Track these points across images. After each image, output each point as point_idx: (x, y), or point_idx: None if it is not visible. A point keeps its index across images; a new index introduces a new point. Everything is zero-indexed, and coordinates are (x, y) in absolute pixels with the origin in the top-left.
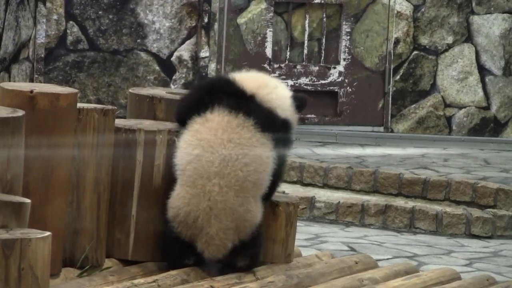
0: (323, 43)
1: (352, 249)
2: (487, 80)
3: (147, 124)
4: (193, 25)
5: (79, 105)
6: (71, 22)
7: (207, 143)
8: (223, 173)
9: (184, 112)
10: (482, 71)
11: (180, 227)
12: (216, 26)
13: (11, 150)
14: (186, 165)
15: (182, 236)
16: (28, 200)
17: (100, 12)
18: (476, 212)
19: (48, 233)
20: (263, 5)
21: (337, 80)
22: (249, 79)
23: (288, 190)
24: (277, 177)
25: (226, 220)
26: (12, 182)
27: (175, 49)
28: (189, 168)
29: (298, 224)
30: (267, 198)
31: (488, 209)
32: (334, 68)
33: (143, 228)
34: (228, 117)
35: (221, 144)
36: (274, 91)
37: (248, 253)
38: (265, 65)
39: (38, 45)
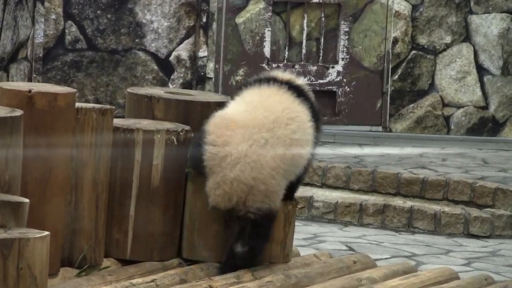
0: (322, 43)
1: (351, 249)
2: (485, 79)
3: (146, 123)
4: (192, 24)
5: (78, 104)
6: (69, 21)
7: (261, 103)
8: (275, 132)
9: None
10: (481, 70)
11: (209, 149)
12: (214, 25)
13: (9, 150)
14: (241, 110)
15: (205, 159)
16: (26, 200)
17: (98, 12)
18: (474, 212)
19: (46, 233)
20: (262, 5)
21: (335, 80)
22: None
23: None
24: (304, 172)
25: (249, 175)
26: (10, 182)
27: (174, 49)
28: (243, 113)
29: (296, 223)
30: (291, 192)
31: (487, 209)
32: (333, 67)
33: (141, 228)
34: (279, 90)
35: (274, 105)
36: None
37: (251, 240)
38: (264, 65)
39: (37, 45)
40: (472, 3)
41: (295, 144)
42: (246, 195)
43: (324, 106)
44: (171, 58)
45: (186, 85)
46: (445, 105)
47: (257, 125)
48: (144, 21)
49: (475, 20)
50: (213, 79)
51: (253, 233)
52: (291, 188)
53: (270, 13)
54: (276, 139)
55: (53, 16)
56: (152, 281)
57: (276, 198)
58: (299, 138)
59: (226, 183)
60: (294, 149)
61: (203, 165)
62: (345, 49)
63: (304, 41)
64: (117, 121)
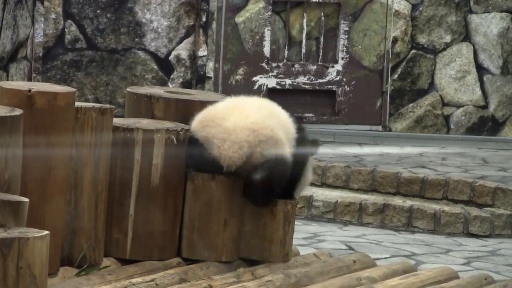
0: (321, 42)
1: (350, 248)
2: (485, 79)
3: (145, 123)
4: (191, 24)
5: (77, 104)
6: (69, 21)
7: (241, 99)
8: (250, 100)
9: None
10: (480, 70)
11: (196, 127)
12: (214, 25)
13: (9, 149)
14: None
15: (198, 137)
16: (26, 199)
17: (98, 11)
18: (474, 211)
19: (46, 232)
20: (261, 4)
21: (335, 79)
22: None
23: None
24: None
25: (246, 119)
26: (10, 182)
27: (173, 48)
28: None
29: (296, 223)
30: (291, 189)
31: (486, 208)
32: (332, 67)
33: (141, 227)
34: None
35: (255, 100)
36: None
37: (268, 168)
38: (263, 64)
39: (36, 44)
40: (471, 3)
41: (274, 109)
42: (255, 140)
43: (323, 106)
44: (171, 57)
45: (186, 84)
46: (444, 104)
47: (234, 100)
48: (143, 20)
49: (474, 19)
50: (212, 78)
51: (270, 175)
52: (291, 182)
53: (269, 13)
54: (254, 104)
55: (53, 16)
56: (152, 280)
57: (285, 146)
58: (277, 108)
59: (230, 133)
60: (276, 110)
61: (200, 145)
62: (344, 48)
63: (304, 41)
64: (116, 121)
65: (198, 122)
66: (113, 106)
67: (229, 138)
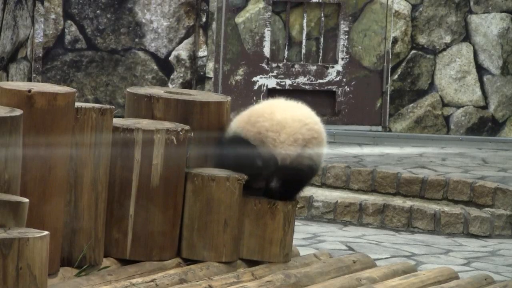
0: (321, 43)
1: (350, 249)
2: (485, 79)
3: (145, 123)
4: (191, 24)
5: (77, 104)
6: (69, 21)
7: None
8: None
9: None
10: (480, 70)
11: (245, 128)
12: (214, 25)
13: (9, 150)
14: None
15: (244, 138)
16: (26, 200)
17: (98, 12)
18: (474, 212)
19: (46, 233)
20: (261, 4)
21: (335, 80)
22: None
23: None
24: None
25: (292, 109)
26: (10, 182)
27: (173, 48)
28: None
29: (296, 223)
30: (293, 190)
31: (486, 209)
32: (332, 67)
33: (141, 228)
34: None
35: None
36: None
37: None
38: (263, 65)
39: (36, 45)
40: (471, 3)
41: (306, 109)
42: (309, 134)
43: (323, 106)
44: (171, 57)
45: (186, 84)
46: (444, 104)
47: (271, 101)
48: (143, 20)
49: (474, 19)
50: (212, 78)
51: (290, 182)
52: (292, 184)
53: (269, 13)
54: (292, 102)
55: (53, 16)
56: (152, 281)
57: (323, 139)
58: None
59: (284, 125)
60: (312, 114)
61: (248, 143)
62: (344, 48)
63: (304, 41)
64: (116, 121)
65: (245, 121)
66: (113, 107)
67: (284, 131)
